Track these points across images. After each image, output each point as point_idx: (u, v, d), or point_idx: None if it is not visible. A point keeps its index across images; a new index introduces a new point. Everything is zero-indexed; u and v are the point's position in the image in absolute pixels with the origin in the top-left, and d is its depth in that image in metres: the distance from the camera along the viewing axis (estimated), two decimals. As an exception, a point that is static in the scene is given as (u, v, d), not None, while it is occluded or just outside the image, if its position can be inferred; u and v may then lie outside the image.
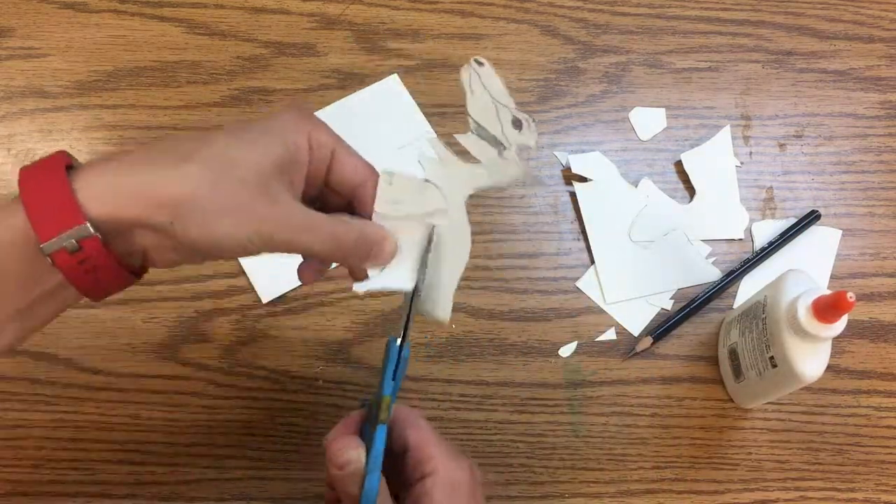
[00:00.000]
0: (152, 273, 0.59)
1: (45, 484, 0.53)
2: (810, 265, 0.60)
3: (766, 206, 0.63)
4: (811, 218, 0.61)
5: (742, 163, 0.64)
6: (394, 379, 0.38)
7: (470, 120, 0.40)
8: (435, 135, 0.41)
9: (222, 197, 0.35)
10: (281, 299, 0.58)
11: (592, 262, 0.60)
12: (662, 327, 0.58)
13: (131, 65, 0.64)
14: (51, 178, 0.34)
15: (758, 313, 0.51)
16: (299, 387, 0.56)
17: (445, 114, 0.64)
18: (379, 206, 0.40)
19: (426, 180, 0.40)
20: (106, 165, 0.35)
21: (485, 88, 0.40)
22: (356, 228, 0.39)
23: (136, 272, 0.38)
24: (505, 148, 0.40)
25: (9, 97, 0.62)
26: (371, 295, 0.58)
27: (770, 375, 0.50)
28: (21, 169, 0.35)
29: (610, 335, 0.58)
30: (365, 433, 0.40)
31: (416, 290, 0.40)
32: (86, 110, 0.62)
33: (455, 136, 0.40)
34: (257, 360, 0.57)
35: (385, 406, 0.38)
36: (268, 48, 0.65)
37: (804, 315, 0.46)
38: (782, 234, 0.60)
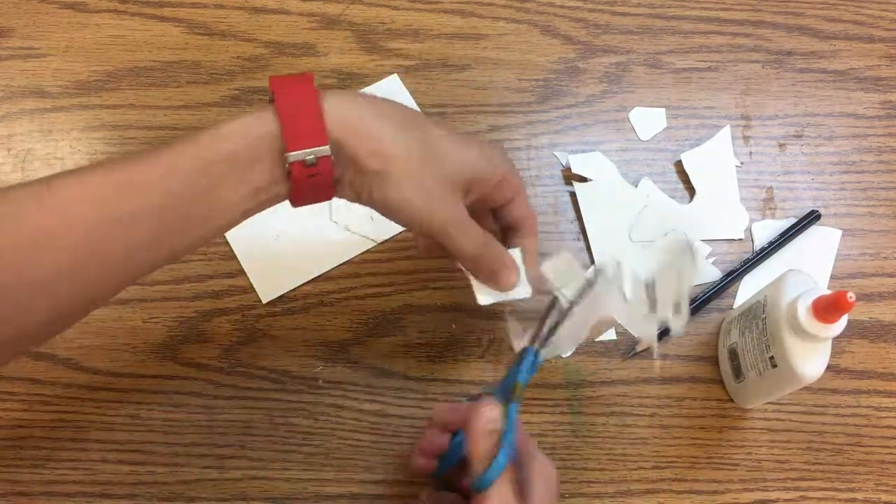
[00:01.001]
0: (152, 273, 0.59)
1: (45, 484, 0.53)
2: (810, 265, 0.60)
3: (766, 206, 0.63)
4: (811, 218, 0.61)
5: (742, 163, 0.64)
6: (529, 373, 0.43)
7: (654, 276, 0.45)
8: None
9: (423, 177, 0.42)
10: (281, 299, 0.58)
11: (592, 262, 0.60)
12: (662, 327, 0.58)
13: (131, 65, 0.64)
14: (306, 94, 0.40)
15: (758, 313, 0.51)
16: (299, 387, 0.56)
17: (445, 114, 0.64)
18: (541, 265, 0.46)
19: (588, 280, 0.44)
20: (353, 101, 0.41)
21: (683, 266, 0.45)
22: (499, 250, 0.46)
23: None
24: (654, 314, 0.46)
25: (9, 97, 0.62)
26: (369, 296, 0.58)
27: (770, 375, 0.50)
28: (272, 78, 0.41)
29: (610, 335, 0.58)
30: None
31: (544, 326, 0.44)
32: (86, 110, 0.62)
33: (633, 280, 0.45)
34: (257, 360, 0.57)
35: (520, 389, 0.42)
36: (268, 48, 0.65)
37: (804, 315, 0.46)
38: (782, 234, 0.60)
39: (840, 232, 0.62)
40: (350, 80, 0.64)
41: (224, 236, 0.59)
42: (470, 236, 0.45)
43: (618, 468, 0.55)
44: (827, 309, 0.45)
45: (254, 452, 0.55)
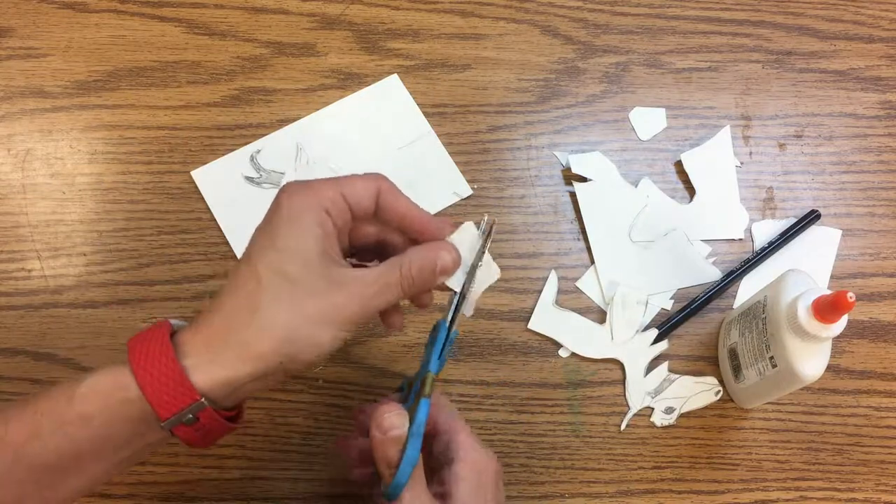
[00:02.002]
0: (152, 273, 0.59)
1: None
2: (810, 265, 0.60)
3: (766, 206, 0.63)
4: (811, 218, 0.61)
5: (742, 163, 0.64)
6: (440, 358, 0.40)
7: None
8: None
9: (305, 315, 0.38)
10: (281, 299, 0.58)
11: (592, 262, 0.60)
12: (663, 327, 0.58)
13: (131, 65, 0.64)
14: (162, 358, 0.37)
15: (758, 313, 0.51)
16: (299, 387, 0.56)
17: (445, 114, 0.64)
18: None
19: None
20: (202, 334, 0.38)
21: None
22: (413, 257, 0.41)
23: (236, 416, 0.41)
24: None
25: (9, 97, 0.62)
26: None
27: (770, 375, 0.50)
28: (130, 342, 0.38)
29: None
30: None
31: (464, 288, 0.43)
32: (86, 110, 0.62)
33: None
34: (257, 360, 0.57)
35: (430, 381, 0.40)
36: (268, 48, 0.65)
37: (804, 315, 0.46)
38: (782, 234, 0.60)
39: (840, 232, 0.62)
40: (350, 80, 0.64)
41: (224, 236, 0.59)
42: (387, 286, 0.40)
43: (618, 468, 0.55)
44: (827, 309, 0.45)
45: (254, 452, 0.55)
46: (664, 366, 0.57)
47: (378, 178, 0.42)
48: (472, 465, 0.42)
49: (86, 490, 0.40)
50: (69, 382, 0.38)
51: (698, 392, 0.56)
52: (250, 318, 0.38)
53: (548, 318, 0.58)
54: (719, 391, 0.56)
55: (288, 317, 0.38)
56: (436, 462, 0.43)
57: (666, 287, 0.60)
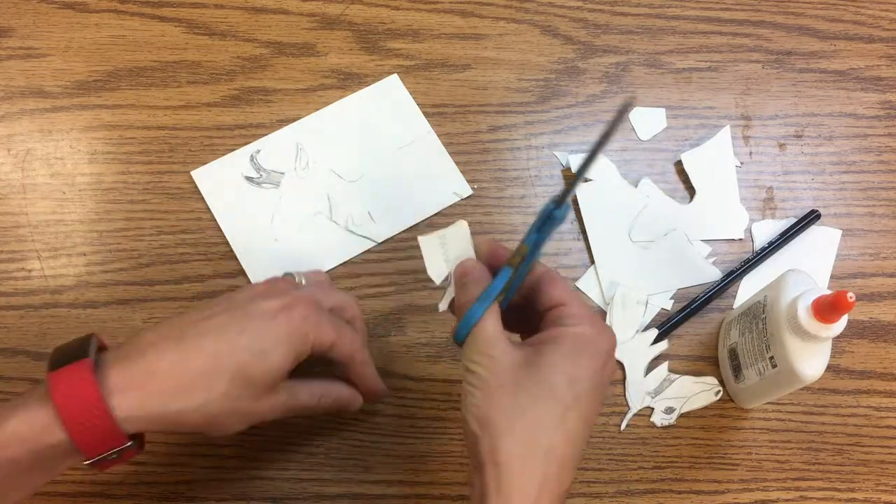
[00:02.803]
0: (152, 273, 0.59)
1: (46, 484, 0.53)
2: (810, 265, 0.60)
3: (766, 206, 0.63)
4: (811, 218, 0.61)
5: (742, 163, 0.64)
6: (539, 233, 0.38)
7: None
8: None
9: (236, 410, 0.42)
10: (281, 299, 0.58)
11: (592, 262, 0.60)
12: (663, 327, 0.58)
13: (131, 65, 0.64)
14: (89, 403, 0.38)
15: (758, 313, 0.51)
16: (299, 387, 0.56)
17: (445, 114, 0.64)
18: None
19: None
20: (144, 390, 0.40)
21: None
22: (335, 395, 0.49)
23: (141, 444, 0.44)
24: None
25: (9, 97, 0.62)
26: (369, 296, 0.58)
27: (770, 375, 0.50)
28: (51, 378, 0.39)
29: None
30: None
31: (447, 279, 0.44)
32: (86, 110, 0.62)
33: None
34: (257, 360, 0.57)
35: (519, 252, 0.39)
36: (268, 48, 0.65)
37: (804, 315, 0.46)
38: (782, 234, 0.60)
39: (840, 232, 0.62)
40: (350, 80, 0.64)
41: (224, 236, 0.59)
42: (296, 405, 0.46)
43: (618, 468, 0.55)
44: (827, 309, 0.45)
45: (254, 452, 0.55)
46: (664, 366, 0.57)
47: (354, 349, 0.47)
48: (574, 334, 0.39)
49: None
50: None
51: (698, 392, 0.56)
52: (200, 396, 0.41)
53: None
54: (719, 391, 0.57)
55: (225, 411, 0.42)
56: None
57: (666, 287, 0.60)
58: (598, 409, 0.40)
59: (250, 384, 0.42)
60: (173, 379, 0.40)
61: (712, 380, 0.57)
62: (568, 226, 0.61)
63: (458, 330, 0.40)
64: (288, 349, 0.43)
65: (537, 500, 0.36)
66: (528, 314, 0.42)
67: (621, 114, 0.33)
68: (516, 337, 0.43)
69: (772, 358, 0.49)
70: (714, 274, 0.60)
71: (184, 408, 0.40)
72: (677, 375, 0.57)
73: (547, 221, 0.38)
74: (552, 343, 0.39)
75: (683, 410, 0.56)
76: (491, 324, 0.39)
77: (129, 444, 0.40)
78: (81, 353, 0.40)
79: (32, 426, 0.38)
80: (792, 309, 0.47)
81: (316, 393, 0.47)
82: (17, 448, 0.38)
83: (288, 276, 0.50)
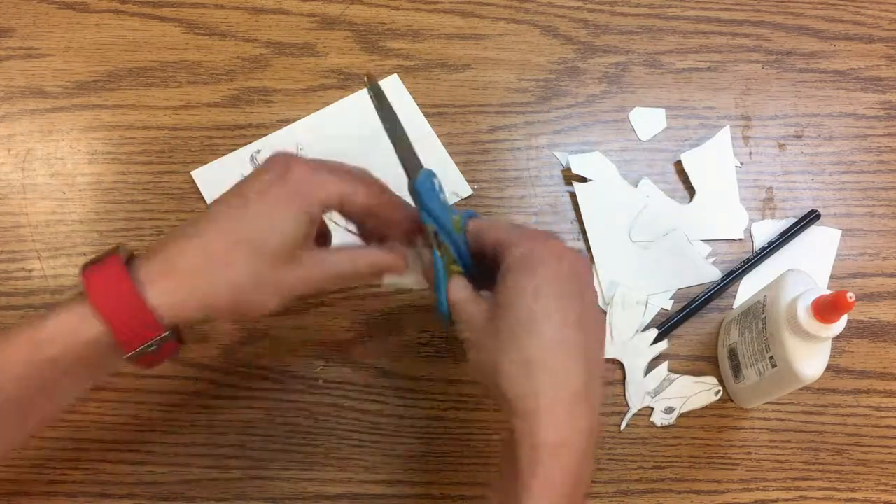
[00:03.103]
0: None
1: (45, 484, 0.53)
2: (810, 265, 0.60)
3: (766, 206, 0.63)
4: (811, 218, 0.61)
5: (742, 163, 0.64)
6: (425, 210, 0.43)
7: None
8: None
9: (264, 285, 0.42)
10: (281, 299, 0.58)
11: (592, 261, 0.60)
12: (663, 327, 0.58)
13: (131, 65, 0.64)
14: (125, 294, 0.39)
15: (757, 313, 0.51)
16: (299, 387, 0.56)
17: (445, 114, 0.64)
18: None
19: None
20: (171, 274, 0.40)
21: None
22: (369, 259, 0.46)
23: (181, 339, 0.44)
24: None
25: (9, 97, 0.62)
26: (369, 296, 0.58)
27: (770, 375, 0.50)
28: (86, 276, 0.39)
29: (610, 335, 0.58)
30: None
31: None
32: (86, 110, 0.62)
33: None
34: (257, 360, 0.57)
35: (428, 234, 0.44)
36: (268, 48, 0.65)
37: (804, 315, 0.46)
38: (782, 234, 0.60)
39: (840, 232, 0.62)
40: (350, 80, 0.64)
41: (224, 236, 0.59)
42: (329, 274, 0.45)
43: (618, 468, 0.55)
44: (827, 309, 0.45)
45: (254, 452, 0.55)
46: (664, 366, 0.57)
47: (380, 193, 0.46)
48: (517, 257, 0.41)
49: (43, 424, 0.44)
50: (29, 327, 0.39)
51: (698, 392, 0.56)
52: (224, 270, 0.41)
53: None
54: (719, 391, 0.57)
55: (251, 283, 0.42)
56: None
57: (666, 287, 0.60)
58: (581, 310, 0.41)
59: (270, 255, 0.42)
60: (196, 262, 0.41)
61: (712, 379, 0.57)
62: (568, 226, 0.61)
63: (441, 315, 0.44)
64: (295, 214, 0.42)
65: (552, 399, 0.38)
66: (493, 267, 0.44)
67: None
68: None
69: (771, 358, 0.49)
70: (714, 274, 0.60)
71: (211, 287, 0.41)
72: (677, 375, 0.57)
73: (419, 196, 0.42)
74: (503, 276, 0.41)
75: (683, 410, 0.56)
76: (455, 293, 0.43)
77: (166, 333, 0.40)
78: (107, 254, 0.41)
79: (70, 322, 0.39)
80: (792, 309, 0.47)
81: (345, 258, 0.46)
82: (57, 346, 0.39)
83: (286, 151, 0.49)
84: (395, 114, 0.47)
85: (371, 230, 0.47)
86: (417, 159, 0.46)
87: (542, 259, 0.41)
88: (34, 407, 0.41)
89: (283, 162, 0.44)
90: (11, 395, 0.39)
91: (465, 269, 0.45)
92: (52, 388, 0.41)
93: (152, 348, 0.41)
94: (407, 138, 0.46)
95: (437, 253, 0.44)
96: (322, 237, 0.48)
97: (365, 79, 0.47)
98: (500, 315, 0.41)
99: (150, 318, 0.39)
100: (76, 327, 0.39)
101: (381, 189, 0.46)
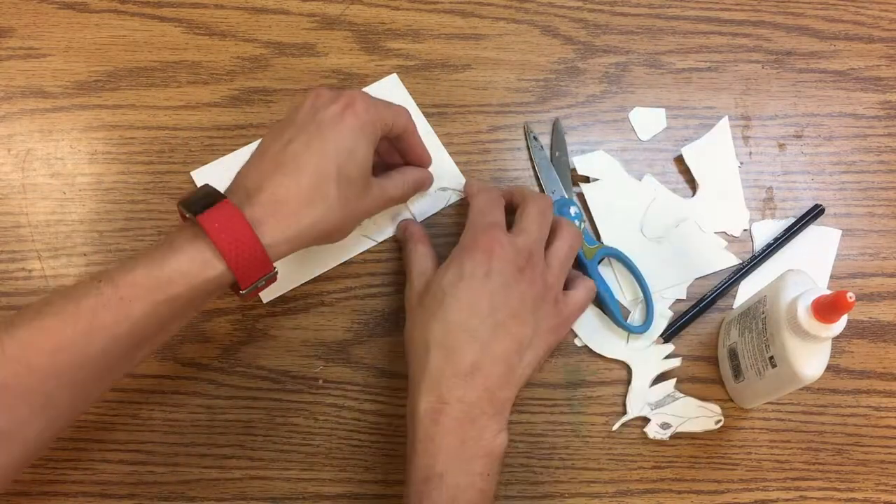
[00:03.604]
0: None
1: (45, 484, 0.53)
2: (810, 265, 0.60)
3: (766, 206, 0.63)
4: (815, 213, 0.61)
5: (742, 163, 0.64)
6: None
7: None
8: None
9: (350, 212, 0.48)
10: (281, 299, 0.58)
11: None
12: (668, 330, 0.58)
13: (131, 65, 0.64)
14: (246, 239, 0.43)
15: (757, 314, 0.51)
16: (299, 387, 0.56)
17: (445, 114, 0.64)
18: None
19: None
20: (278, 215, 0.45)
21: None
22: (411, 178, 0.56)
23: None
24: None
25: (9, 97, 0.62)
26: (369, 296, 0.58)
27: (770, 375, 0.50)
28: (203, 222, 0.42)
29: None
30: None
31: None
32: (86, 110, 0.62)
33: None
34: (257, 360, 0.57)
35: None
36: (268, 48, 0.65)
37: (804, 315, 0.46)
38: (787, 230, 0.60)
39: (840, 232, 0.62)
40: (350, 80, 0.64)
41: (224, 236, 0.59)
42: (391, 196, 0.53)
43: (618, 468, 0.55)
44: (827, 309, 0.45)
45: (254, 452, 0.55)
46: (671, 382, 0.57)
47: (408, 118, 0.53)
48: (464, 238, 0.54)
49: (151, 355, 0.47)
50: (148, 265, 0.42)
51: (699, 416, 0.56)
52: (321, 206, 0.46)
53: None
54: (720, 420, 0.56)
55: (344, 211, 0.47)
56: None
57: (684, 278, 0.60)
58: (497, 289, 0.49)
59: (352, 182, 0.47)
60: (295, 200, 0.45)
61: (716, 408, 0.56)
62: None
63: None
64: (367, 140, 0.48)
65: (432, 378, 0.48)
66: None
67: None
68: None
69: (771, 358, 0.49)
70: (730, 260, 0.60)
71: (312, 220, 0.45)
72: (682, 395, 0.57)
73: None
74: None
75: (679, 430, 0.56)
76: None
77: (274, 271, 0.45)
78: (214, 198, 0.44)
79: (194, 263, 0.42)
80: (792, 309, 0.47)
81: (398, 182, 0.54)
82: (180, 285, 0.42)
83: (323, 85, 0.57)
84: (566, 146, 0.62)
85: (392, 151, 0.56)
86: (566, 190, 0.61)
87: (473, 243, 0.50)
88: (148, 341, 0.44)
89: (346, 94, 0.49)
90: (136, 328, 0.42)
91: (604, 298, 0.57)
92: (170, 322, 0.44)
93: (262, 283, 0.45)
94: (568, 170, 0.62)
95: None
96: None
97: (523, 128, 0.61)
98: (428, 290, 0.51)
99: (264, 257, 0.43)
100: (199, 268, 0.42)
101: (408, 116, 0.54)
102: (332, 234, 0.48)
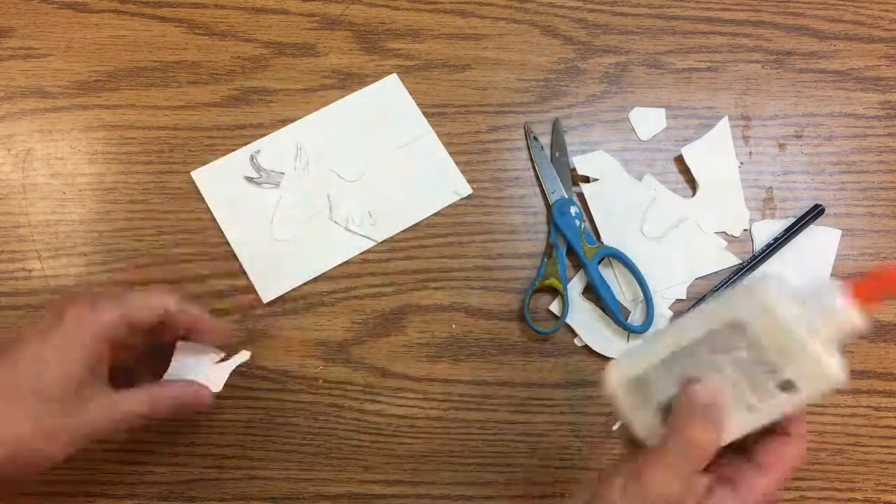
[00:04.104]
0: (152, 273, 0.59)
1: (46, 484, 0.53)
2: (810, 265, 0.60)
3: (766, 206, 0.63)
4: (816, 212, 0.61)
5: (742, 163, 0.64)
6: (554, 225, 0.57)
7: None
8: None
9: (43, 431, 0.41)
10: (281, 299, 0.58)
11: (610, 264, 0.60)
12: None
13: (131, 65, 0.64)
14: None
15: (730, 346, 0.38)
16: (299, 387, 0.56)
17: (445, 114, 0.64)
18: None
19: None
20: None
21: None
22: (167, 394, 0.46)
23: None
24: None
25: (9, 97, 0.62)
26: (369, 296, 0.58)
27: (776, 403, 0.38)
28: None
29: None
30: None
31: None
32: (86, 110, 0.62)
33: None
34: (257, 360, 0.57)
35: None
36: (268, 48, 0.65)
37: (843, 309, 0.36)
38: (787, 230, 0.60)
39: (840, 232, 0.62)
40: (350, 80, 0.64)
41: (224, 236, 0.59)
42: (122, 414, 0.44)
43: (618, 468, 0.55)
44: (873, 288, 0.36)
45: (254, 452, 0.55)
46: None
47: (164, 297, 0.46)
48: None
49: None
50: None
51: None
52: None
53: (574, 308, 0.59)
54: None
55: (27, 432, 0.40)
56: None
57: (684, 278, 0.60)
58: None
59: (47, 399, 0.41)
60: None
61: None
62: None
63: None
64: (74, 353, 0.42)
65: None
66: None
67: None
68: None
69: (786, 382, 0.37)
70: (730, 260, 0.60)
71: None
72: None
73: (553, 212, 0.48)
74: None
75: None
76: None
77: None
78: None
79: None
80: (821, 308, 0.37)
81: (144, 398, 0.45)
82: None
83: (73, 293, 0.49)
84: (566, 147, 0.61)
85: (176, 336, 0.48)
86: (566, 190, 0.60)
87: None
88: None
89: (59, 303, 0.43)
90: None
91: (605, 298, 0.56)
92: None
93: None
94: (568, 170, 0.61)
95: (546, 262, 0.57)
96: (153, 359, 0.49)
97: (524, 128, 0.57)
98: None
99: None
100: None
101: (163, 295, 0.46)
102: (24, 460, 0.41)
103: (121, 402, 0.44)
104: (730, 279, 0.59)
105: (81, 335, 0.42)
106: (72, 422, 0.42)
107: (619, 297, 0.59)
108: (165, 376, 0.48)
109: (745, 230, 0.62)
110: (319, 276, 0.59)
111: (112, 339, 0.43)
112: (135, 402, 0.45)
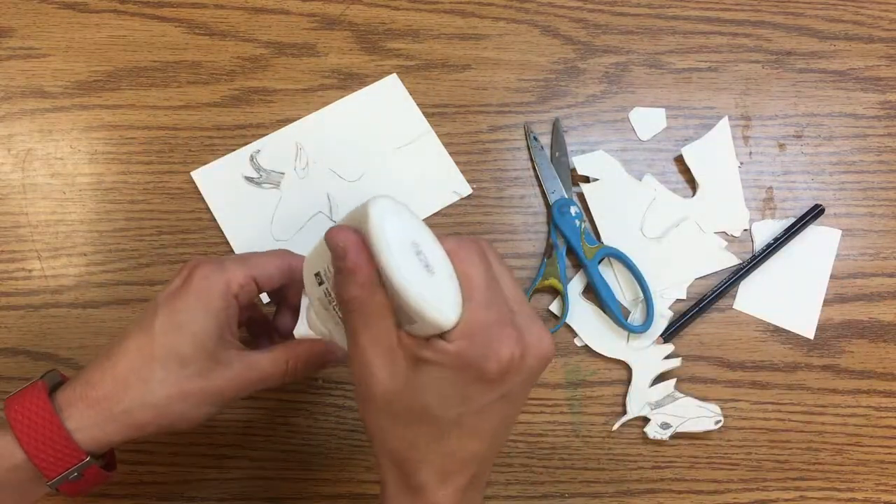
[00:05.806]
0: (152, 273, 0.59)
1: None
2: (810, 265, 0.60)
3: (766, 206, 0.63)
4: (815, 212, 0.61)
5: (742, 163, 0.64)
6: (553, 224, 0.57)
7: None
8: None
9: (187, 394, 0.41)
10: (281, 299, 0.58)
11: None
12: (671, 328, 0.58)
13: (131, 65, 0.64)
14: (45, 422, 0.39)
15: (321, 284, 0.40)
16: (299, 387, 0.56)
17: (445, 114, 0.64)
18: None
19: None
20: (87, 399, 0.40)
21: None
22: (301, 352, 0.45)
23: (110, 462, 0.45)
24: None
25: (9, 97, 0.62)
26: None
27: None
28: (8, 403, 0.40)
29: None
30: None
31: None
32: (86, 110, 0.62)
33: None
34: (257, 360, 0.57)
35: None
36: (268, 48, 0.65)
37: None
38: (787, 230, 0.60)
39: (840, 232, 0.62)
40: (350, 80, 0.64)
41: (224, 236, 0.59)
42: (255, 374, 0.43)
43: (618, 468, 0.55)
44: None
45: (254, 452, 0.55)
46: (671, 382, 0.57)
47: (287, 255, 0.45)
48: (453, 354, 0.34)
49: None
50: None
51: (699, 416, 0.56)
52: (137, 389, 0.40)
53: (574, 308, 0.59)
54: (720, 420, 0.56)
55: (171, 393, 0.41)
56: None
57: (684, 278, 0.60)
58: (494, 420, 0.36)
59: (184, 362, 0.41)
60: (108, 383, 0.40)
61: (716, 408, 0.56)
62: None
63: None
64: (204, 314, 0.41)
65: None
66: None
67: None
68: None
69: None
70: (730, 260, 0.60)
71: (128, 406, 0.40)
72: (682, 395, 0.57)
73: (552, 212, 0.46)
74: (427, 365, 0.34)
75: (679, 430, 0.56)
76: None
77: (87, 459, 0.40)
78: (35, 381, 0.41)
79: None
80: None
81: (279, 357, 0.44)
82: None
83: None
84: (566, 147, 0.61)
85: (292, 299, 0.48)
86: (566, 190, 0.60)
87: (478, 373, 0.34)
88: None
89: (188, 266, 0.43)
90: None
91: (605, 298, 0.56)
92: None
93: (73, 475, 0.40)
94: (568, 170, 0.61)
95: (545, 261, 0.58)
96: (259, 323, 0.49)
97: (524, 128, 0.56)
98: (402, 399, 0.35)
99: (66, 442, 0.39)
100: (1, 453, 0.39)
101: (286, 253, 0.45)
102: (169, 423, 0.41)
103: (256, 363, 0.43)
104: (730, 279, 0.59)
105: (210, 297, 0.42)
106: (211, 383, 0.42)
107: (619, 297, 0.59)
108: (296, 334, 0.48)
109: (745, 230, 0.62)
110: (319, 276, 0.59)
111: (240, 297, 0.43)
112: (269, 361, 0.44)
